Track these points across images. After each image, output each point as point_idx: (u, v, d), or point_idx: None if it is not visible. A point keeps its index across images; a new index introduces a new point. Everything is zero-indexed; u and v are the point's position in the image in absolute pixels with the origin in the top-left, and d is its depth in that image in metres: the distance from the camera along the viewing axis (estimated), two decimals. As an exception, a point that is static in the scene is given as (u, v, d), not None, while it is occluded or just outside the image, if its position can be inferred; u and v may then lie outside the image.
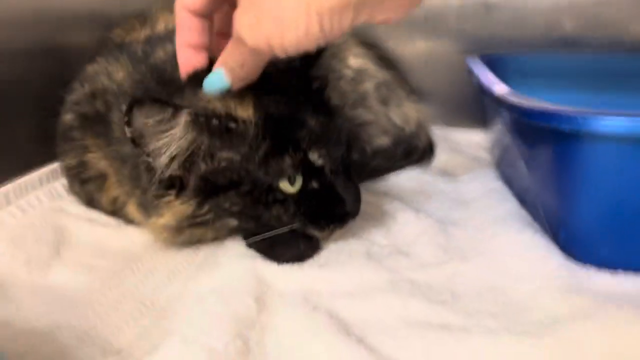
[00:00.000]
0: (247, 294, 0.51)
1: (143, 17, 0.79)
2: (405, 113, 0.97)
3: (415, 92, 1.03)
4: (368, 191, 0.82)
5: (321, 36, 0.47)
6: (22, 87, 0.80)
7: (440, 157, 0.99)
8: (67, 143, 0.69)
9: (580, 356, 0.44)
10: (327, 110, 0.63)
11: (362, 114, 0.92)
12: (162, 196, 0.58)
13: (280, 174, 0.56)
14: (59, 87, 0.73)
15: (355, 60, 0.94)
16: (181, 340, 0.42)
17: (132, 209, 0.65)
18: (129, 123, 0.52)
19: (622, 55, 1.08)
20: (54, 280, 0.58)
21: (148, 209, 0.60)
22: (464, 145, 1.08)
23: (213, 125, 0.54)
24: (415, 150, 0.96)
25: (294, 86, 0.61)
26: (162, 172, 0.56)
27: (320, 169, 0.59)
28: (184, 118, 0.53)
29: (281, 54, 0.49)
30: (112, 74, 0.68)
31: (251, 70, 0.53)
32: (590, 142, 0.54)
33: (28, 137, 0.81)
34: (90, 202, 0.72)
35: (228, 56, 0.53)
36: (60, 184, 0.79)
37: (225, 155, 0.56)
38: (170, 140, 0.54)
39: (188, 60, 0.58)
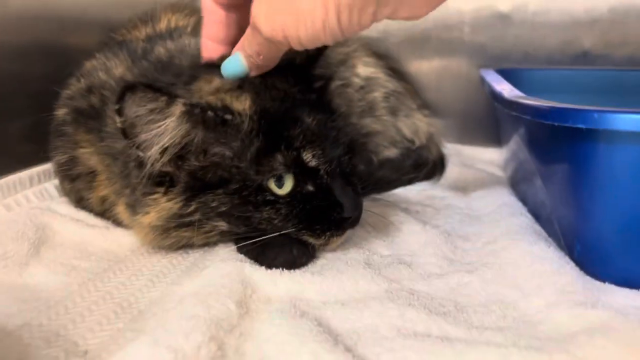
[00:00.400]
0: (229, 297, 0.47)
1: (145, 16, 0.78)
2: (415, 124, 0.93)
3: (427, 106, 1.00)
4: (373, 203, 0.78)
5: (338, 31, 0.44)
6: (20, 86, 0.79)
7: (452, 172, 0.95)
8: (58, 138, 0.67)
9: (596, 375, 0.39)
10: (326, 109, 0.59)
11: (370, 124, 0.89)
12: (151, 193, 0.55)
13: (271, 172, 0.53)
14: (57, 88, 0.71)
15: (365, 69, 0.91)
16: (149, 342, 0.38)
17: (121, 209, 0.62)
18: (120, 112, 0.49)
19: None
20: (30, 279, 0.54)
21: (136, 208, 0.57)
22: (477, 161, 1.04)
23: (208, 118, 0.51)
24: (425, 164, 0.92)
25: (293, 83, 0.58)
26: (152, 165, 0.53)
27: (315, 170, 0.55)
28: (179, 108, 0.50)
29: (297, 47, 0.47)
30: (111, 69, 0.66)
31: (269, 59, 0.52)
32: (608, 142, 0.50)
33: (23, 137, 0.79)
34: (80, 201, 0.69)
35: (246, 43, 0.51)
36: (52, 185, 0.76)
37: (218, 150, 0.53)
38: (163, 130, 0.51)
39: (209, 54, 0.58)
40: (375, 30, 1.11)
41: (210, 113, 0.51)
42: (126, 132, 0.51)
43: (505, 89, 0.72)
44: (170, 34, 0.72)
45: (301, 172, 0.55)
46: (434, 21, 1.12)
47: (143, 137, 0.51)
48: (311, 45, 0.47)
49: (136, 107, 0.49)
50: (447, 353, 0.41)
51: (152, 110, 0.50)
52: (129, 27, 0.78)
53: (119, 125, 0.50)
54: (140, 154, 0.52)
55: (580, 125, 0.49)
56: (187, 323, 0.41)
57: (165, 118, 0.50)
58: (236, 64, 0.53)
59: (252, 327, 0.45)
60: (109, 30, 0.80)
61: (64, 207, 0.70)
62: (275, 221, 0.55)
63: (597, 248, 0.55)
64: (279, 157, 0.53)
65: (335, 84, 0.85)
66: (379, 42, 1.03)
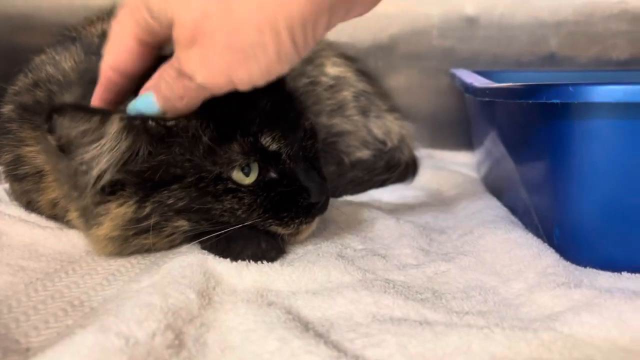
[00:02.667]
0: (189, 287, 0.43)
1: (102, 13, 0.75)
2: (386, 125, 0.92)
3: (397, 109, 0.99)
4: (345, 203, 0.76)
5: (295, 54, 0.41)
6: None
7: (424, 173, 0.93)
8: (4, 136, 0.62)
9: (583, 351, 0.37)
10: (281, 91, 0.56)
11: (340, 123, 0.87)
12: (103, 202, 0.50)
13: (230, 164, 0.50)
14: (3, 84, 0.67)
15: (334, 68, 0.89)
16: (97, 329, 0.34)
17: (74, 216, 0.56)
18: (51, 131, 0.45)
19: (608, 72, 1.04)
20: (-30, 280, 0.50)
21: (88, 217, 0.52)
22: (450, 164, 1.03)
23: (150, 127, 0.47)
24: (397, 165, 0.90)
25: None
26: (95, 183, 0.48)
27: (277, 155, 0.52)
28: (115, 125, 0.46)
29: (244, 87, 0.43)
30: (60, 63, 0.62)
31: (193, 103, 0.46)
32: (584, 118, 0.49)
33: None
34: (30, 204, 0.64)
35: (163, 85, 0.44)
36: (2, 189, 0.71)
37: (164, 150, 0.49)
38: (100, 152, 0.47)
39: (109, 94, 0.48)
40: (342, 35, 1.11)
41: (151, 122, 0.47)
42: (63, 149, 0.47)
43: (476, 79, 0.70)
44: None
45: (262, 159, 0.51)
46: (402, 25, 1.11)
47: (79, 159, 0.47)
48: (263, 81, 0.42)
49: (67, 129, 0.45)
50: (426, 335, 0.38)
51: (85, 132, 0.46)
52: (85, 24, 0.75)
53: (52, 142, 0.46)
54: (83, 168, 0.48)
55: (555, 100, 0.47)
56: (140, 311, 0.37)
57: (101, 138, 0.46)
58: (147, 105, 0.46)
59: (215, 317, 0.41)
60: (63, 29, 0.77)
61: (14, 209, 0.65)
62: (239, 212, 0.51)
63: (577, 231, 0.53)
64: (236, 147, 0.49)
65: (303, 81, 0.83)
66: (347, 48, 1.02)
